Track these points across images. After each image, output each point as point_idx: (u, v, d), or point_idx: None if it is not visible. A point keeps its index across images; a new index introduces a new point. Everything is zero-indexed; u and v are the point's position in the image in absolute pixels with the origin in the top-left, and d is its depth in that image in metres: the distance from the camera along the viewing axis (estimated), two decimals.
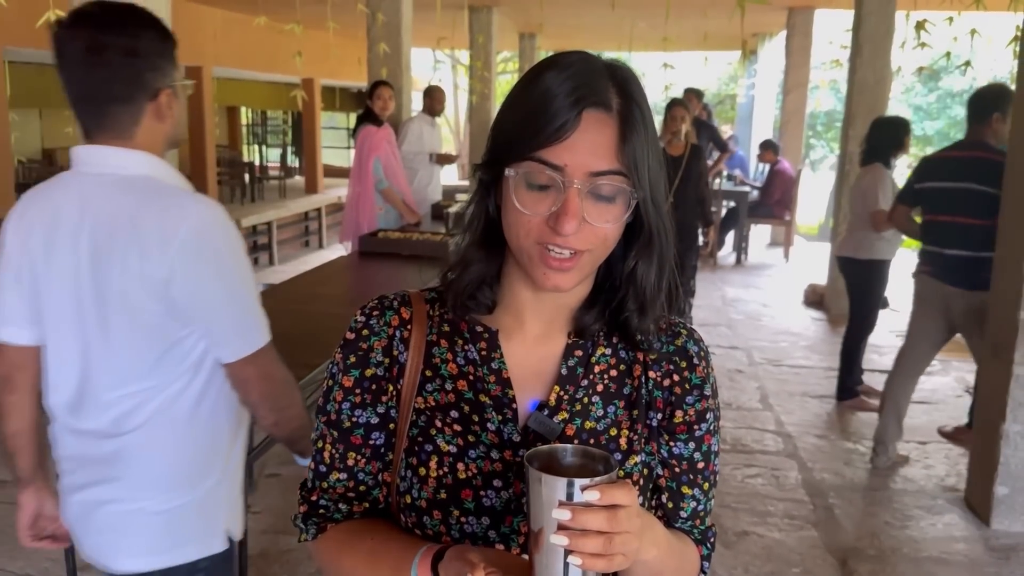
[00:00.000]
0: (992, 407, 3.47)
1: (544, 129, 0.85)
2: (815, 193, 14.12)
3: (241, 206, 10.26)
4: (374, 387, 0.98)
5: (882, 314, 5.05)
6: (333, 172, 13.52)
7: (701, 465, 1.01)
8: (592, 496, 0.74)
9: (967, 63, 5.83)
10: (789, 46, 10.81)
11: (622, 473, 0.97)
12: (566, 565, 0.75)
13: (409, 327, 0.99)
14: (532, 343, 0.98)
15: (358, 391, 0.98)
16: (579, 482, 0.74)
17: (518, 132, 0.87)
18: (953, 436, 4.41)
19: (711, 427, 1.01)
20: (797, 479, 3.91)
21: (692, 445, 1.00)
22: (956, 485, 3.84)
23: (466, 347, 0.98)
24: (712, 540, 1.06)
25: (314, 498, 1.00)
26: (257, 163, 13.93)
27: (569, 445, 0.84)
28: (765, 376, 5.43)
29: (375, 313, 1.00)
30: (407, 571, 0.88)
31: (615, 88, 0.88)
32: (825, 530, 3.43)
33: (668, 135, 5.35)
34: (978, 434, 3.65)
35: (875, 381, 5.20)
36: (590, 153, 0.85)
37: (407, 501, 0.96)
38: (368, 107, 5.84)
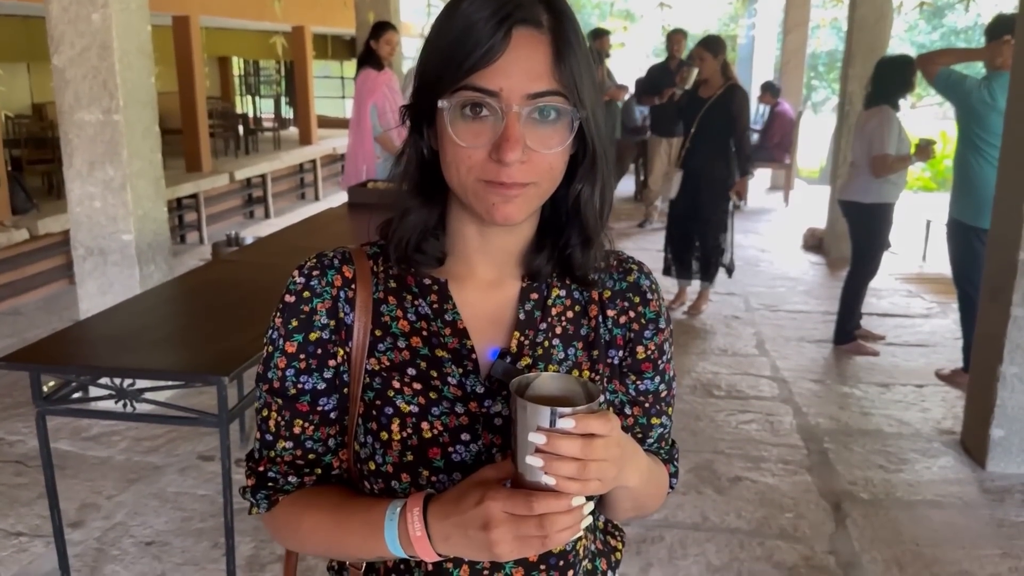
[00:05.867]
0: (989, 349, 3.42)
1: (472, 52, 0.80)
2: (817, 136, 13.92)
3: (235, 159, 10.12)
4: (320, 351, 0.93)
5: (884, 258, 4.98)
6: (327, 123, 13.34)
7: (665, 393, 1.02)
8: (568, 424, 0.76)
9: None
10: None
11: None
12: (544, 486, 0.78)
13: (353, 286, 0.94)
14: (485, 290, 0.95)
15: (302, 356, 0.93)
16: (559, 411, 0.77)
17: (446, 60, 0.82)
18: (950, 379, 4.38)
19: (669, 356, 1.02)
20: (792, 424, 3.89)
21: (658, 379, 1.01)
22: (952, 428, 3.82)
23: (416, 302, 0.94)
24: (676, 457, 1.07)
25: (261, 469, 0.96)
26: (251, 115, 13.74)
27: (555, 374, 0.87)
28: (762, 322, 5.39)
29: (315, 273, 0.94)
30: (380, 518, 0.85)
31: (543, 4, 0.83)
32: (819, 475, 3.41)
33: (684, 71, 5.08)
34: (975, 376, 3.62)
35: (872, 325, 5.16)
36: (525, 74, 0.81)
37: (371, 468, 0.92)
38: (368, 49, 5.64)
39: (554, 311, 0.96)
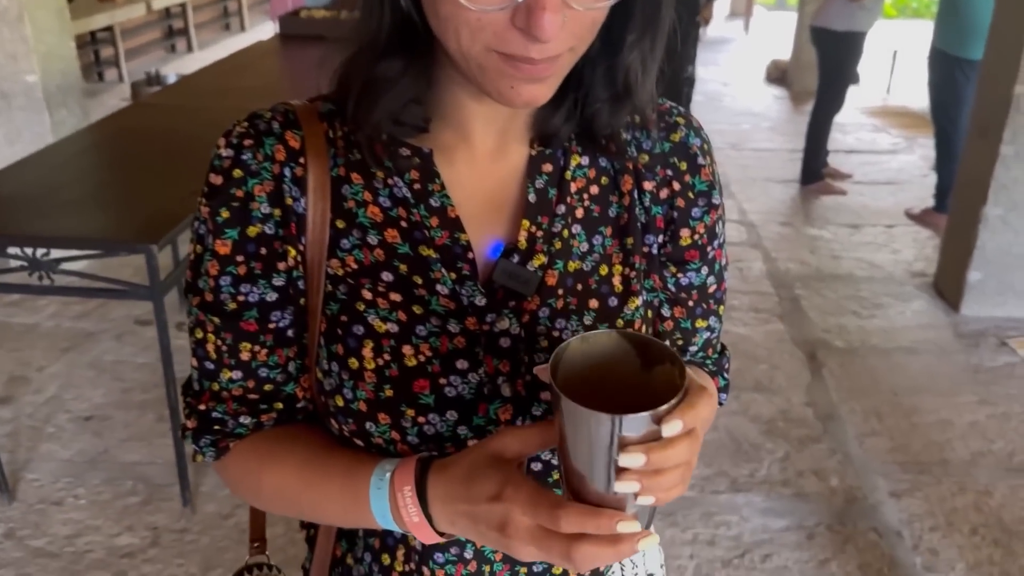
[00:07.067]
0: (973, 189, 3.27)
1: None
2: None
3: None
4: (264, 251, 0.67)
5: (850, 90, 4.74)
6: None
7: (713, 288, 0.79)
8: (675, 429, 0.53)
9: None
10: None
11: (621, 322, 0.72)
12: (614, 496, 0.56)
13: (302, 160, 0.67)
14: (482, 162, 0.69)
15: (240, 259, 0.67)
16: (658, 412, 0.53)
17: None
18: (920, 218, 4.27)
19: (722, 240, 0.78)
20: (761, 270, 3.76)
21: (705, 270, 0.77)
22: (924, 270, 3.73)
23: (389, 180, 0.68)
24: (727, 366, 0.86)
25: (203, 408, 0.71)
26: None
27: (586, 334, 0.59)
28: (726, 162, 5.17)
29: (248, 143, 0.67)
30: (363, 485, 0.64)
31: None
32: (791, 323, 3.31)
33: None
34: (954, 217, 3.48)
35: (838, 162, 4.99)
36: None
37: (338, 403, 0.68)
38: None
39: (574, 187, 0.71)
